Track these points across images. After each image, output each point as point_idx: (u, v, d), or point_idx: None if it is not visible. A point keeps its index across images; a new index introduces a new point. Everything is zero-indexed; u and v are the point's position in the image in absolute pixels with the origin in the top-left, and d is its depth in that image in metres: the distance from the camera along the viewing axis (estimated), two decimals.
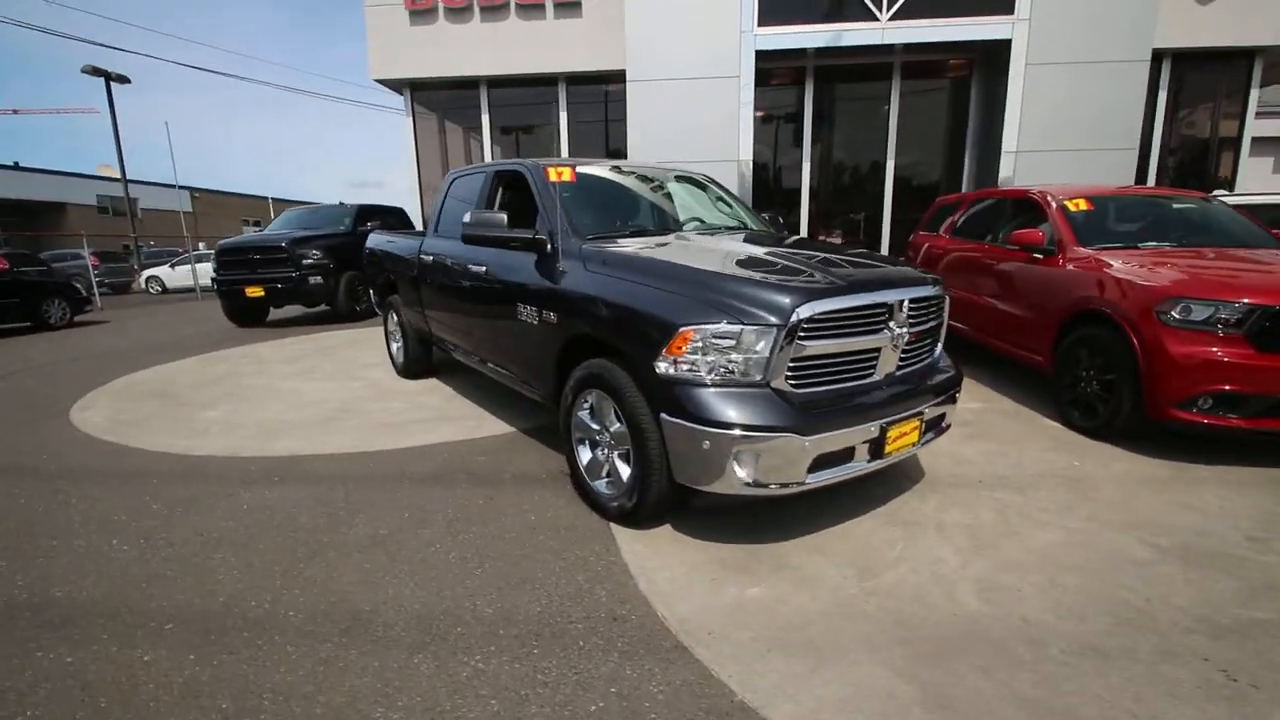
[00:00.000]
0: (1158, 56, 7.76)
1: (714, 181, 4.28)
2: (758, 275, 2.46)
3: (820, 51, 8.22)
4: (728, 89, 7.99)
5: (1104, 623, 2.05)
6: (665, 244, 3.09)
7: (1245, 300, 3.17)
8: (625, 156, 8.99)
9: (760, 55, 7.94)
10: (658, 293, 2.47)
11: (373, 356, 6.44)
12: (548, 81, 9.03)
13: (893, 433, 2.51)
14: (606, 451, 2.83)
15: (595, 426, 2.86)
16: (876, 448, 2.49)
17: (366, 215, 9.82)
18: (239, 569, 2.44)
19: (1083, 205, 4.53)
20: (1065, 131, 7.76)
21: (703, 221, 3.76)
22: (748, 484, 2.31)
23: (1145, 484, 3.13)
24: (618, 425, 2.70)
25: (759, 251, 2.93)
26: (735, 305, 2.31)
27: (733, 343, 2.28)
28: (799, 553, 2.51)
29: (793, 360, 2.32)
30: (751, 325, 2.26)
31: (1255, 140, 8.58)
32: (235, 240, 8.71)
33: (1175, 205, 4.62)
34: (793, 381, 2.35)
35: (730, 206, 4.05)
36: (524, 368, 3.45)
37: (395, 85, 9.22)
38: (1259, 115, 8.53)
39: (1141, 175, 8.41)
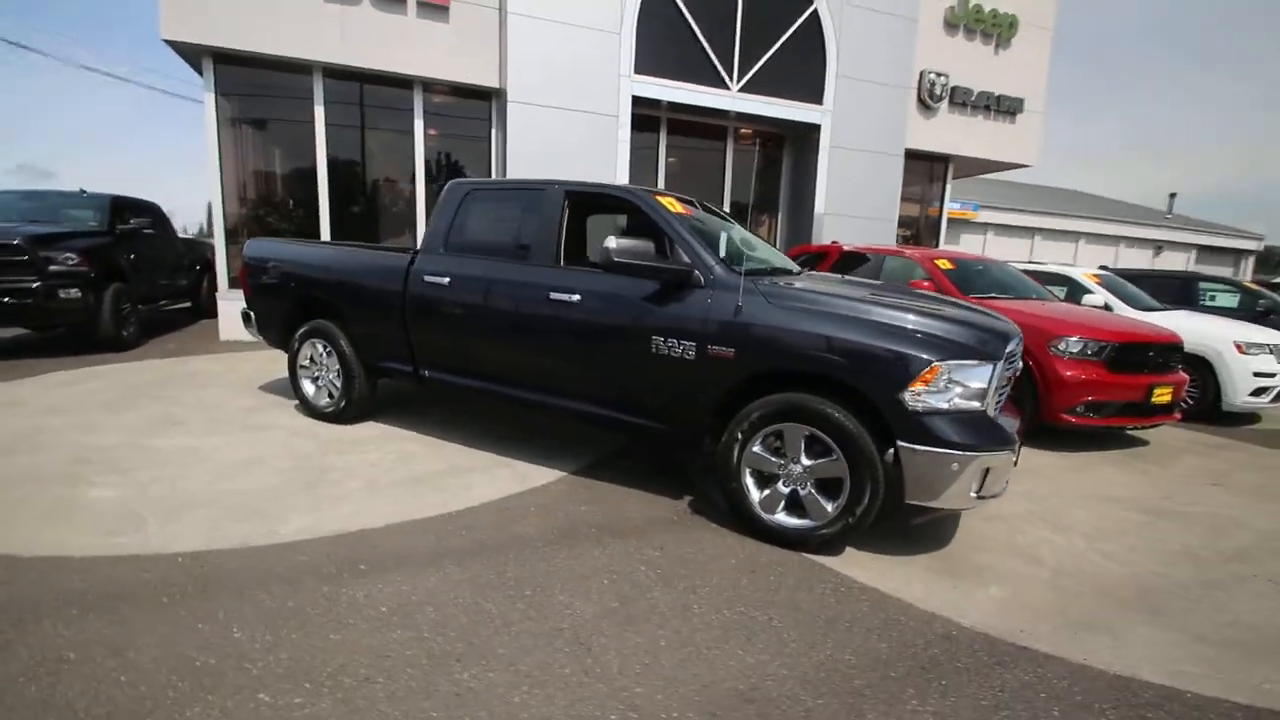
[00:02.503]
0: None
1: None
2: (967, 316, 2.88)
3: (672, 105, 9.02)
4: (606, 126, 8.24)
5: (1188, 566, 2.94)
6: (822, 283, 3.27)
7: (1099, 338, 4.69)
8: (491, 175, 8.53)
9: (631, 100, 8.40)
10: (888, 331, 2.69)
11: (234, 397, 5.00)
12: (402, 84, 8.06)
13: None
14: (788, 485, 2.90)
15: (776, 460, 2.90)
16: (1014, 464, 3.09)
17: (124, 209, 7.45)
18: (545, 683, 1.89)
19: (947, 265, 5.99)
20: (854, 202, 9.86)
21: (765, 260, 3.95)
22: (974, 497, 2.68)
23: (1069, 470, 4.36)
24: (811, 460, 2.81)
25: (913, 294, 3.32)
26: (965, 343, 2.68)
27: (970, 375, 2.64)
28: (971, 554, 2.96)
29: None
30: (985, 360, 2.66)
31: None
32: None
33: (994, 268, 6.40)
34: (994, 407, 2.80)
35: (760, 244, 4.32)
36: (645, 402, 3.24)
37: (193, 53, 7.17)
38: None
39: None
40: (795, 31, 9.02)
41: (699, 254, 3.12)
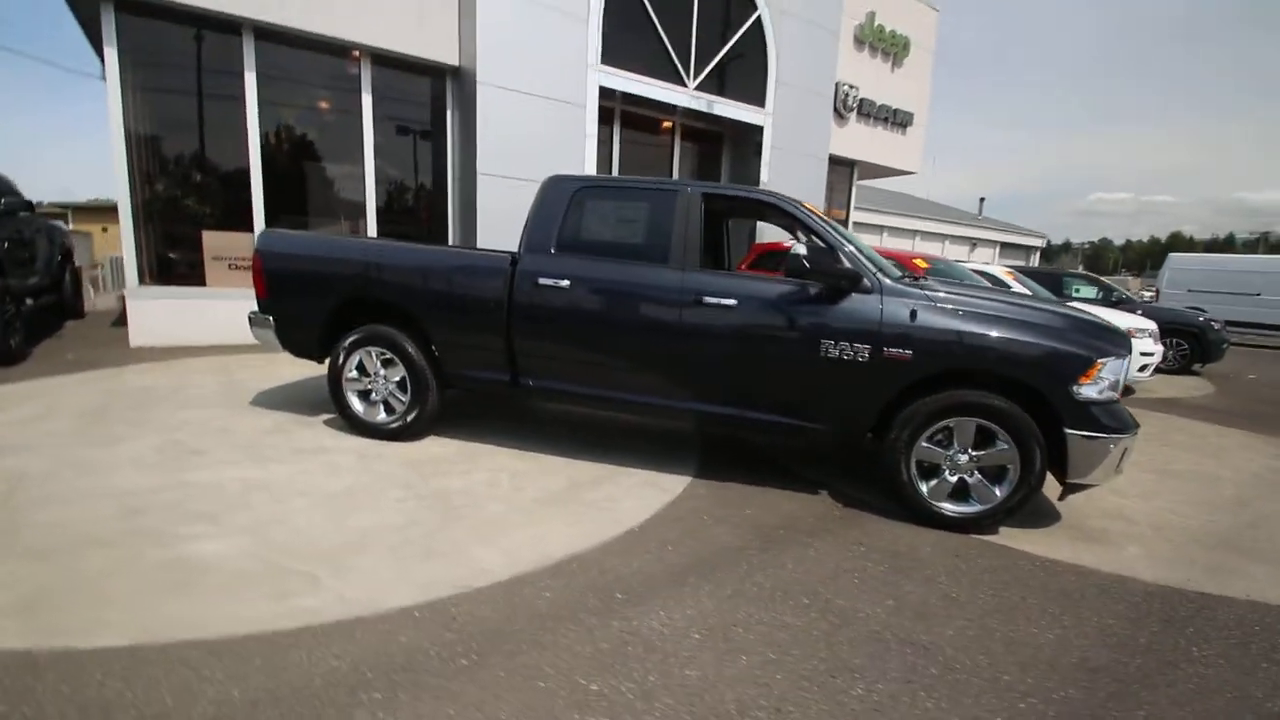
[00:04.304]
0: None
1: None
2: (1093, 318, 3.30)
3: (627, 98, 8.98)
4: (574, 116, 7.99)
5: (1221, 513, 3.66)
6: (964, 289, 3.51)
7: None
8: (461, 161, 7.90)
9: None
10: (1057, 333, 3.04)
11: (234, 416, 4.25)
12: (349, 54, 7.12)
13: None
14: (954, 474, 3.17)
15: (944, 452, 3.16)
16: None
17: None
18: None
19: (924, 264, 6.69)
20: None
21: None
22: (1115, 473, 3.13)
23: None
24: (981, 450, 3.10)
25: (1040, 299, 3.67)
26: (1106, 342, 3.10)
27: (1114, 369, 3.06)
28: (1085, 521, 3.43)
29: None
30: (1122, 355, 3.11)
31: None
32: None
33: (955, 267, 7.24)
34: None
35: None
36: (807, 403, 3.31)
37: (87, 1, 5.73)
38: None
39: None
40: (742, 36, 9.36)
41: (861, 260, 3.26)
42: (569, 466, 3.77)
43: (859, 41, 11.58)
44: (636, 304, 3.48)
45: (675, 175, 10.27)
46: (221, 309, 6.64)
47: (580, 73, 7.95)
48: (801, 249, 3.08)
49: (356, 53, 7.19)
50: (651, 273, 3.46)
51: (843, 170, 12.60)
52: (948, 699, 1.90)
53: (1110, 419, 3.03)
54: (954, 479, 3.17)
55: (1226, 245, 76.59)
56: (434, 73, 7.71)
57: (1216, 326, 9.36)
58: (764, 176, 10.09)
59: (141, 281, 6.40)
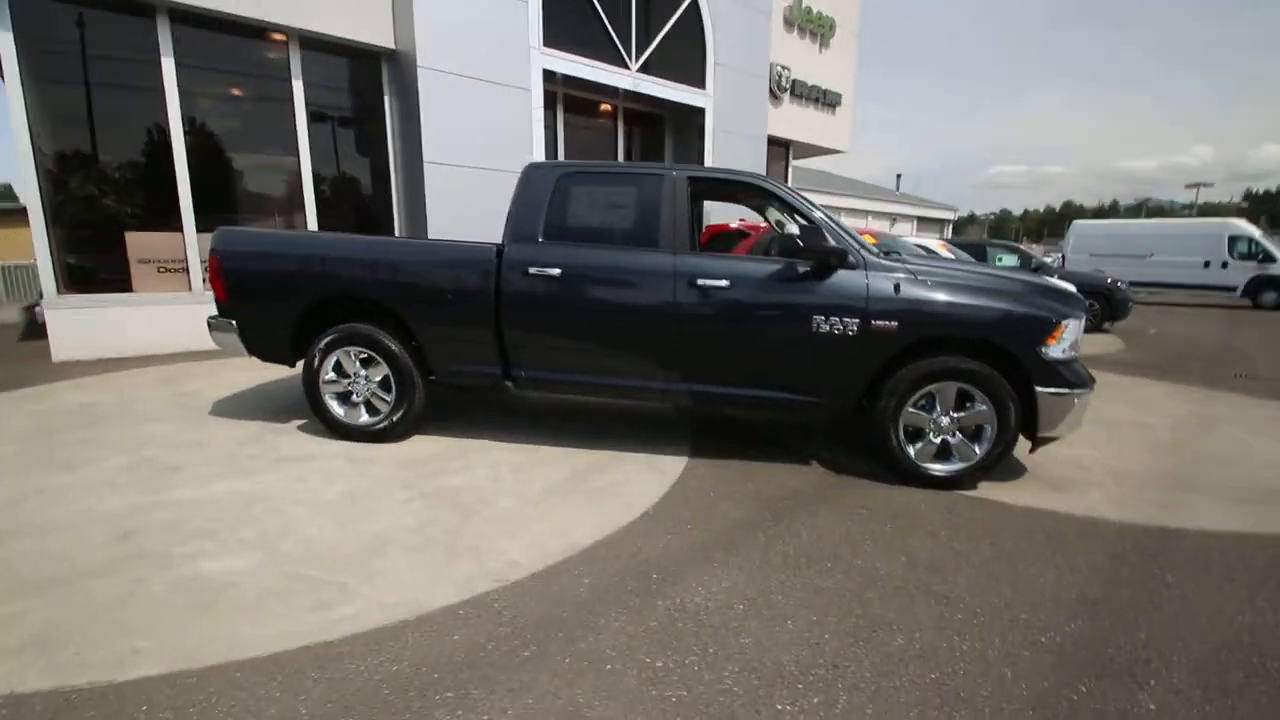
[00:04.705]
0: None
1: None
2: (1053, 283, 3.57)
3: (569, 80, 8.87)
4: (520, 100, 7.83)
5: (1164, 457, 4.09)
6: (938, 263, 3.71)
7: None
8: (403, 149, 7.57)
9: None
10: (1025, 299, 3.28)
11: (199, 428, 4.03)
12: (276, 39, 6.65)
13: None
14: (938, 436, 3.39)
15: (928, 416, 3.38)
16: None
17: None
18: None
19: (872, 240, 7.00)
20: None
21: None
22: (1077, 426, 3.44)
23: None
24: (960, 411, 3.34)
25: (1002, 269, 3.92)
26: (1067, 305, 3.37)
27: (1075, 329, 3.35)
28: (1049, 471, 3.75)
29: None
30: (1080, 316, 3.39)
31: None
32: None
33: (898, 241, 7.61)
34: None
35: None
36: (801, 378, 3.43)
37: None
38: None
39: None
40: (680, 17, 9.40)
41: (846, 238, 3.40)
42: (566, 456, 3.78)
43: (788, 23, 11.84)
44: (630, 288, 3.50)
45: (620, 159, 10.25)
46: (153, 316, 6.18)
47: (523, 56, 7.77)
48: (795, 229, 3.18)
49: (282, 35, 6.76)
50: (644, 257, 3.48)
51: (779, 151, 12.92)
52: (980, 640, 2.08)
53: (1073, 375, 3.32)
54: (938, 440, 3.40)
55: (1112, 211, 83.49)
56: (368, 57, 7.34)
57: (1123, 287, 10.27)
58: (708, 159, 10.22)
59: (60, 291, 5.84)
